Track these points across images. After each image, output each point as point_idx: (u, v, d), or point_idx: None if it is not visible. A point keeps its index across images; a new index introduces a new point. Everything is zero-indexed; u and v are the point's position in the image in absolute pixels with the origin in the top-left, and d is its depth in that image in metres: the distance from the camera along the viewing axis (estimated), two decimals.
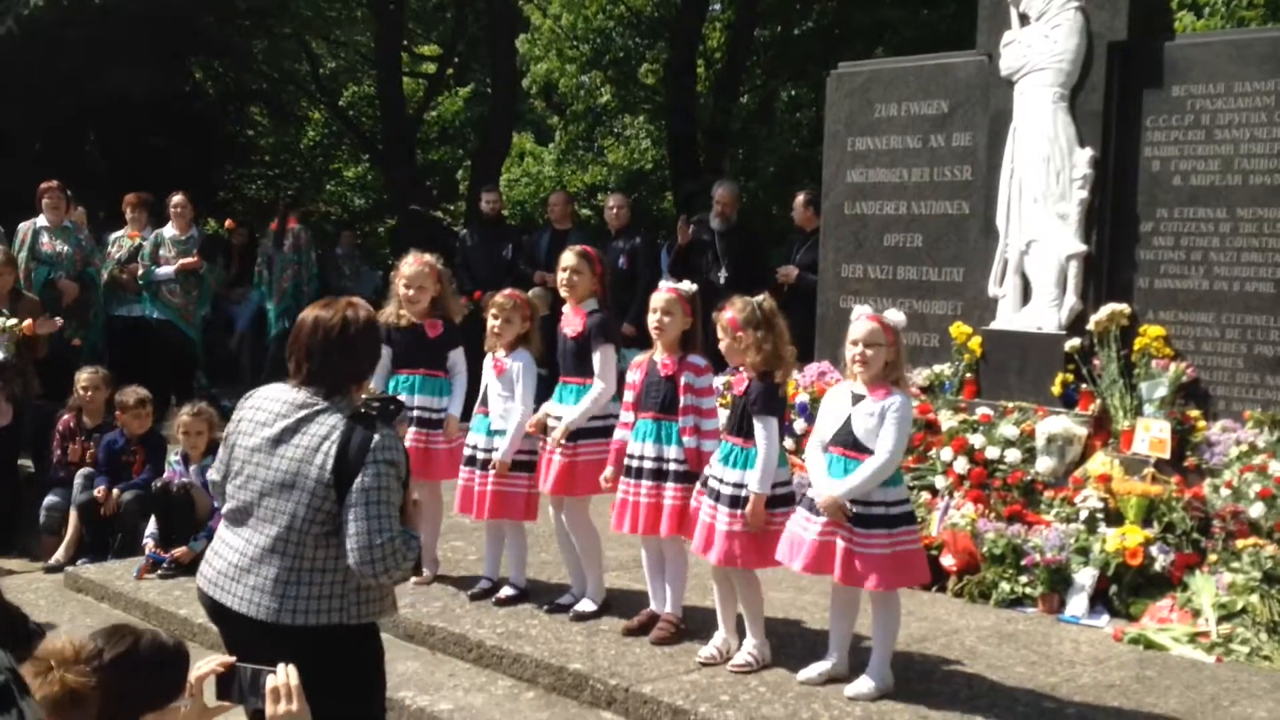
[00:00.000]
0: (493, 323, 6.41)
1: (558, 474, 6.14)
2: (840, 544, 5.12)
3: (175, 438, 7.88)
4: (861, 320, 5.21)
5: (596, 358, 6.10)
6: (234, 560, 3.77)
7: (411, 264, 6.57)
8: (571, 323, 6.23)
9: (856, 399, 5.19)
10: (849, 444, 5.16)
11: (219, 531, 3.91)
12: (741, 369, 5.48)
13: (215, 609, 3.84)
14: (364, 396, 3.90)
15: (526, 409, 6.29)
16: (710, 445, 5.63)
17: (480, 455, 6.40)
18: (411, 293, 6.52)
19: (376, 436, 3.67)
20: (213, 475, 4.05)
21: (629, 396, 5.92)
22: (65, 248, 10.70)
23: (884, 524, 5.09)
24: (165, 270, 11.11)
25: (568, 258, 6.27)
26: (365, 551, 3.60)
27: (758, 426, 5.31)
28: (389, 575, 3.66)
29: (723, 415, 5.90)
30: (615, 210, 11.42)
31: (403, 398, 6.40)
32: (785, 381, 5.51)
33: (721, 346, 5.50)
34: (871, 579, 5.09)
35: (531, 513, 6.46)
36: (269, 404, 3.83)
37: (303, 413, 3.75)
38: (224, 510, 3.89)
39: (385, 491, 3.65)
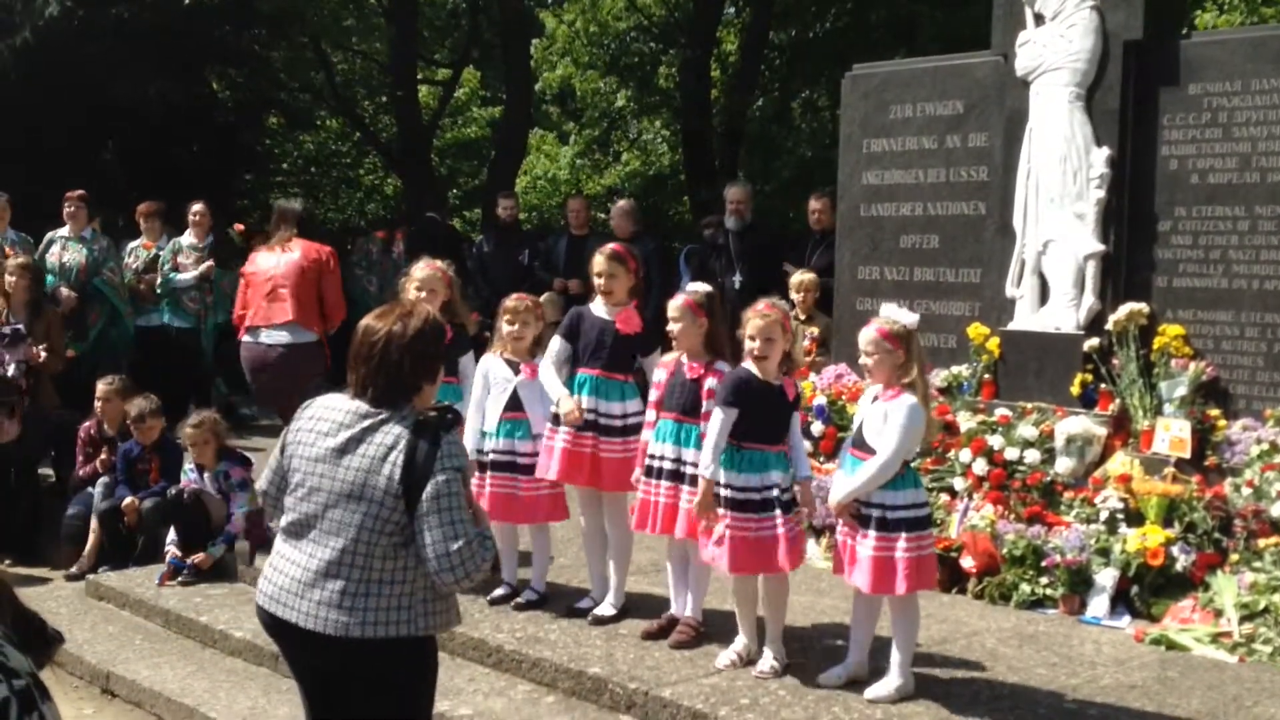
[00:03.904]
0: (509, 328, 6.41)
1: (580, 465, 6.13)
2: (849, 545, 5.19)
3: (184, 448, 7.92)
4: (867, 329, 5.25)
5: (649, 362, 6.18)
6: (296, 575, 3.68)
7: (423, 268, 6.60)
8: (630, 322, 6.20)
9: (875, 400, 5.23)
10: (861, 445, 5.21)
11: (277, 546, 3.82)
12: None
13: (277, 626, 3.76)
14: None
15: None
16: None
17: (521, 461, 6.35)
18: (423, 295, 6.54)
19: (442, 443, 3.63)
20: (261, 485, 3.96)
21: (653, 396, 5.93)
22: (74, 259, 10.70)
23: (879, 526, 5.09)
24: (185, 277, 11.13)
25: (599, 262, 6.24)
26: (444, 559, 3.56)
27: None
28: (469, 579, 3.61)
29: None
30: (612, 221, 11.46)
31: None
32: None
33: (754, 346, 5.44)
34: (860, 579, 5.12)
35: (558, 513, 6.48)
36: (329, 413, 3.76)
37: (366, 422, 3.68)
38: (282, 524, 3.80)
39: (456, 497, 3.61)
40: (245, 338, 8.36)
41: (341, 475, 3.65)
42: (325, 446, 3.70)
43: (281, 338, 8.20)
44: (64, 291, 10.56)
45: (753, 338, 5.36)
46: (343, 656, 3.64)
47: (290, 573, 3.71)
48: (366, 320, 3.82)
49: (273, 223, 8.65)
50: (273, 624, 3.78)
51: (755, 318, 5.37)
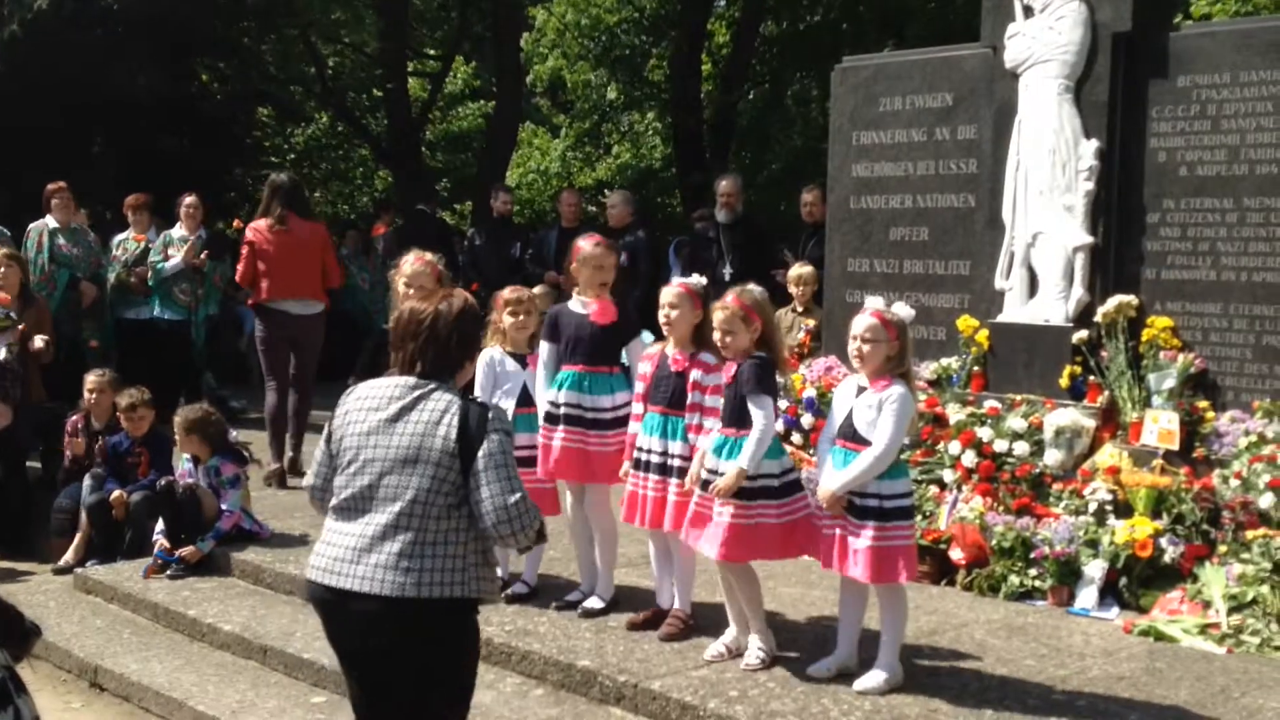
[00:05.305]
0: (512, 319, 6.41)
1: (573, 461, 6.12)
2: (837, 534, 5.17)
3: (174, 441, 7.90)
4: (863, 315, 5.21)
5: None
6: (351, 544, 3.77)
7: (412, 263, 6.55)
8: (606, 313, 6.19)
9: (860, 391, 5.21)
10: (850, 436, 5.18)
11: (328, 524, 3.91)
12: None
13: (329, 596, 3.81)
14: None
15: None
16: None
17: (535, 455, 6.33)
18: (412, 292, 6.50)
19: (490, 408, 3.86)
20: (310, 480, 4.05)
21: (640, 388, 5.92)
22: (77, 249, 10.77)
23: (877, 516, 5.09)
24: (173, 263, 11.11)
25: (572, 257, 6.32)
26: (502, 511, 3.71)
27: (753, 406, 5.27)
28: (525, 534, 3.78)
29: None
30: (614, 209, 11.48)
31: None
32: (777, 367, 5.51)
33: (715, 336, 5.46)
34: (859, 570, 5.11)
35: (548, 507, 6.43)
36: (377, 390, 3.91)
37: (417, 392, 3.84)
38: (334, 503, 3.90)
39: (509, 455, 3.80)
40: (270, 306, 9.41)
41: (396, 442, 3.79)
42: (377, 419, 3.84)
43: (305, 309, 9.49)
44: (86, 284, 10.65)
45: (715, 330, 5.42)
46: (397, 620, 3.72)
47: (344, 543, 3.80)
48: (410, 305, 4.01)
49: (265, 196, 9.68)
50: (325, 595, 3.83)
51: (716, 310, 5.42)
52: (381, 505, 3.77)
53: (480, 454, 3.74)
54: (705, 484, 5.39)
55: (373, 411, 3.86)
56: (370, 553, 3.73)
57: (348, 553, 3.77)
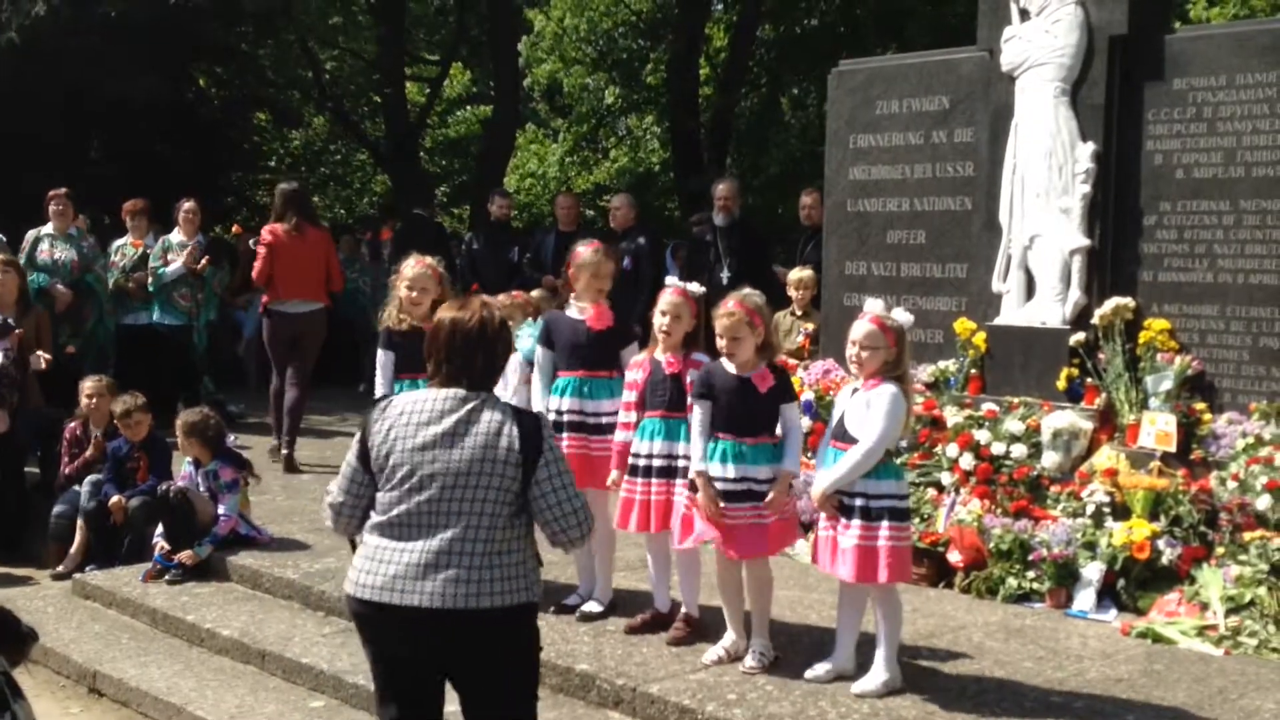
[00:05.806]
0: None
1: (579, 467, 6.08)
2: (829, 534, 5.20)
3: (178, 446, 7.90)
4: (862, 321, 5.23)
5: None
6: (412, 560, 3.73)
7: (413, 266, 6.55)
8: (603, 318, 6.20)
9: (854, 392, 5.24)
10: (842, 436, 5.21)
11: (375, 541, 3.82)
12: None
13: (388, 615, 3.75)
14: None
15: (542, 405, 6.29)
16: None
17: None
18: (414, 294, 6.50)
19: (539, 417, 3.96)
20: (336, 498, 3.97)
21: (630, 396, 5.90)
22: (65, 255, 10.74)
23: (863, 515, 5.10)
24: (174, 268, 11.11)
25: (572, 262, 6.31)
26: (571, 516, 3.84)
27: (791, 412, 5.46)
28: (590, 533, 3.94)
29: None
30: (619, 210, 11.48)
31: None
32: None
33: (719, 344, 5.45)
34: (844, 569, 5.12)
35: None
36: (424, 404, 3.87)
37: (470, 404, 3.83)
38: (384, 519, 3.81)
39: (565, 462, 3.90)
40: (274, 308, 10.05)
41: (458, 455, 3.77)
42: (432, 433, 3.80)
43: (307, 308, 10.07)
44: (60, 288, 10.60)
45: (720, 336, 5.39)
46: (470, 632, 3.74)
47: (402, 560, 3.75)
48: (448, 314, 3.97)
49: (278, 204, 10.27)
50: (380, 614, 3.77)
51: (721, 317, 5.39)
52: (447, 519, 3.75)
53: (542, 462, 3.80)
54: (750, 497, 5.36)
55: (423, 426, 3.81)
56: (436, 569, 3.71)
57: (409, 569, 3.72)
